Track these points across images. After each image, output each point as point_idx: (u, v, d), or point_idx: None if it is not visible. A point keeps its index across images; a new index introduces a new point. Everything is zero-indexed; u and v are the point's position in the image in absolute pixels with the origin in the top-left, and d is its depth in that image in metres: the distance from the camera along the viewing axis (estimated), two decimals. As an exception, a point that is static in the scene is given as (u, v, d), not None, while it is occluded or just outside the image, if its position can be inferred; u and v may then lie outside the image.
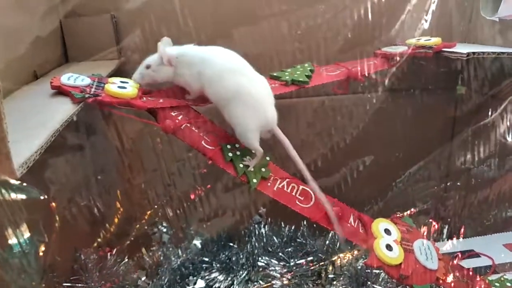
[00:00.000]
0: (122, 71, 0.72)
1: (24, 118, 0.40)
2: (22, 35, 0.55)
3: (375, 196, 0.70)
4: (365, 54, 0.70)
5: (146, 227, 0.80)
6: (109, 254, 0.74)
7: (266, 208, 0.79)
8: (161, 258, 0.77)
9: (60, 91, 0.48)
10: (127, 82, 0.53)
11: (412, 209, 0.57)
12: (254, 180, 0.51)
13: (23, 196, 0.26)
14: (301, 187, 0.53)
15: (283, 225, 0.80)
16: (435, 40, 0.65)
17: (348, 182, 0.78)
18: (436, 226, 0.63)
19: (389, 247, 0.50)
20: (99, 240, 0.71)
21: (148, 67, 0.53)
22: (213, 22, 0.71)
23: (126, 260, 0.75)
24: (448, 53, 0.62)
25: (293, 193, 0.52)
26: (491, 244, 0.63)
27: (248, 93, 0.48)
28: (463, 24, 0.75)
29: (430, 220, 0.64)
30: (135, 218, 0.78)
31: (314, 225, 0.75)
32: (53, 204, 0.47)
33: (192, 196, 0.78)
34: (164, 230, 0.81)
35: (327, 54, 0.72)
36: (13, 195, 0.25)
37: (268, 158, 0.54)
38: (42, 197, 0.27)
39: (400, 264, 0.49)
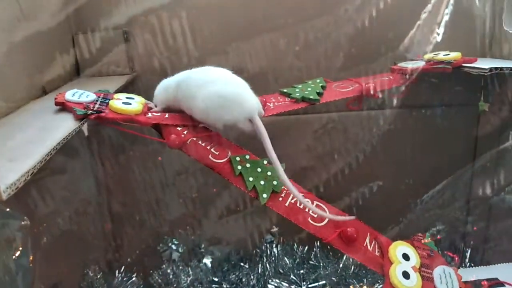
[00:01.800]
0: (133, 86, 0.71)
1: (22, 136, 0.39)
2: (31, 50, 0.55)
3: (386, 224, 0.66)
4: (370, 71, 0.67)
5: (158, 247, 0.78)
6: (117, 271, 0.73)
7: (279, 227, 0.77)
8: (170, 276, 0.75)
9: (64, 107, 0.47)
10: (132, 98, 0.52)
11: (429, 238, 0.53)
12: (264, 195, 0.48)
13: (2, 222, 0.24)
14: (315, 202, 0.50)
15: (295, 246, 0.77)
16: (454, 55, 0.62)
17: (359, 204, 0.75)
18: (453, 256, 0.59)
19: (406, 275, 0.47)
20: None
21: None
22: (215, 38, 0.70)
23: (134, 278, 0.74)
24: (469, 68, 0.59)
25: (306, 209, 0.50)
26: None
27: (217, 99, 0.49)
28: (485, 38, 0.72)
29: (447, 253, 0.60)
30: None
31: (328, 246, 0.72)
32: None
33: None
34: (174, 247, 0.79)
35: (327, 72, 0.69)
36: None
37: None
38: (24, 222, 0.25)
39: (418, 294, 0.46)
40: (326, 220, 0.50)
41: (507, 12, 0.67)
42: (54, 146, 0.37)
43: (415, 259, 0.49)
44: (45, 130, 0.41)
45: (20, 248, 0.27)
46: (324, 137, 0.74)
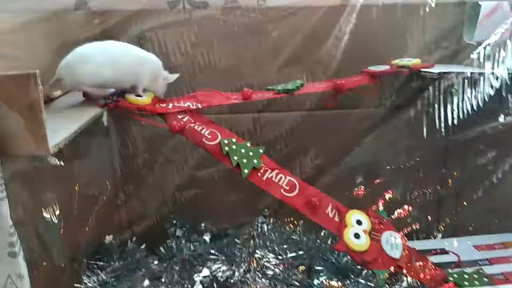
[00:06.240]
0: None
1: (62, 115, 0.53)
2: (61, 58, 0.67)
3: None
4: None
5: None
6: (129, 241, 0.86)
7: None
8: (174, 249, 0.87)
9: (89, 98, 0.61)
10: (143, 93, 0.65)
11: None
12: (246, 171, 0.60)
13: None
14: (288, 177, 0.62)
15: (284, 226, 0.89)
16: (414, 61, 0.73)
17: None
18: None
19: (357, 236, 0.58)
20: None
21: None
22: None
23: (143, 247, 0.86)
24: (425, 72, 0.71)
25: (280, 183, 0.61)
26: (463, 245, 0.69)
27: None
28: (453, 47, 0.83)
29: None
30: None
31: (310, 226, 0.84)
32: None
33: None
34: (179, 225, 0.92)
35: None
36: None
37: (261, 151, 0.62)
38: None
39: (365, 251, 0.57)
40: (296, 191, 0.61)
41: (466, 25, 0.78)
42: (83, 124, 0.50)
43: (366, 224, 0.60)
44: (76, 114, 0.54)
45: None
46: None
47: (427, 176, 0.87)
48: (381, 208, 0.64)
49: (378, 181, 0.82)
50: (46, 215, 0.54)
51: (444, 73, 0.67)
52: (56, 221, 0.56)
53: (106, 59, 0.59)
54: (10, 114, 0.38)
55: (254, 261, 0.81)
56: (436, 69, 0.70)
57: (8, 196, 0.40)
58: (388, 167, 0.86)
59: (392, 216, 0.69)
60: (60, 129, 0.46)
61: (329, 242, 0.81)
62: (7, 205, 0.39)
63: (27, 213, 0.51)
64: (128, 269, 0.77)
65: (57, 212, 0.54)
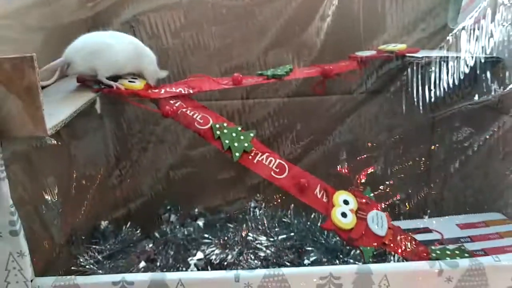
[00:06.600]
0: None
1: (58, 99, 0.54)
2: (55, 41, 0.68)
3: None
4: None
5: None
6: (124, 227, 0.88)
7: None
8: (169, 234, 0.89)
9: (84, 84, 0.62)
10: (136, 79, 0.67)
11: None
12: (237, 154, 0.62)
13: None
14: (277, 160, 0.64)
15: (275, 211, 0.92)
16: (400, 46, 0.76)
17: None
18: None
19: (344, 215, 0.61)
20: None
21: None
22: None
23: (138, 232, 0.88)
24: (409, 57, 0.73)
25: (270, 166, 0.63)
26: (446, 224, 0.72)
27: None
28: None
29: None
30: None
31: (301, 209, 0.86)
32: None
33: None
34: (173, 210, 0.94)
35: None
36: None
37: (252, 135, 0.64)
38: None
39: (351, 229, 0.60)
40: (285, 173, 0.64)
41: (450, 11, 0.81)
42: (78, 108, 0.52)
43: (353, 204, 0.63)
44: (72, 98, 0.56)
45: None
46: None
47: (409, 155, 0.90)
48: (367, 188, 0.67)
49: (362, 156, 0.85)
50: (46, 196, 0.56)
51: (428, 57, 0.69)
52: (55, 201, 0.58)
53: (120, 48, 0.63)
54: (9, 97, 0.40)
55: (247, 243, 0.84)
56: (421, 54, 0.72)
57: (8, 176, 0.42)
58: (370, 145, 0.88)
59: (376, 192, 0.72)
60: (56, 113, 0.48)
61: (318, 224, 0.84)
62: (7, 185, 0.41)
63: (26, 194, 0.53)
64: (123, 251, 0.79)
65: (56, 192, 0.57)
